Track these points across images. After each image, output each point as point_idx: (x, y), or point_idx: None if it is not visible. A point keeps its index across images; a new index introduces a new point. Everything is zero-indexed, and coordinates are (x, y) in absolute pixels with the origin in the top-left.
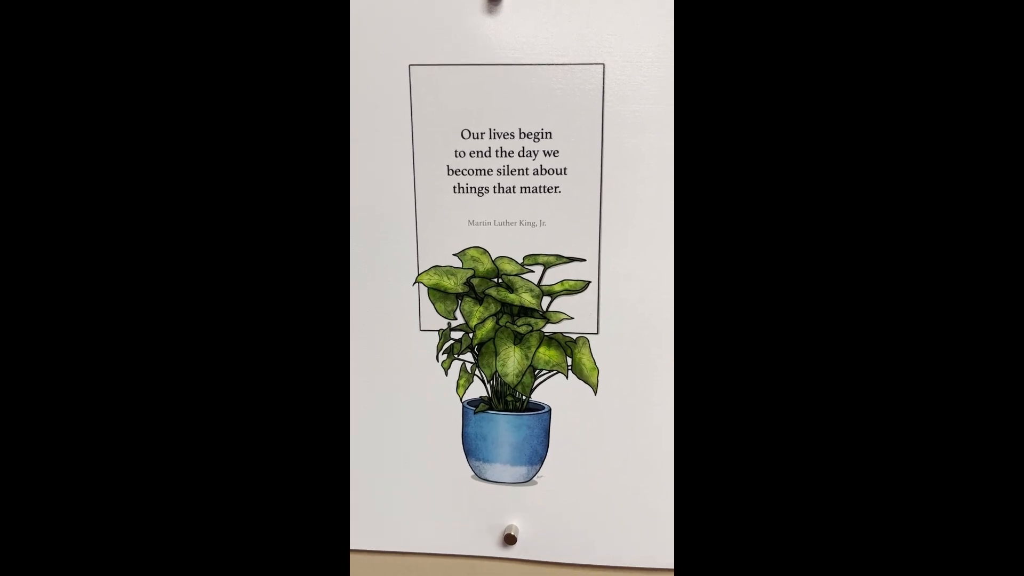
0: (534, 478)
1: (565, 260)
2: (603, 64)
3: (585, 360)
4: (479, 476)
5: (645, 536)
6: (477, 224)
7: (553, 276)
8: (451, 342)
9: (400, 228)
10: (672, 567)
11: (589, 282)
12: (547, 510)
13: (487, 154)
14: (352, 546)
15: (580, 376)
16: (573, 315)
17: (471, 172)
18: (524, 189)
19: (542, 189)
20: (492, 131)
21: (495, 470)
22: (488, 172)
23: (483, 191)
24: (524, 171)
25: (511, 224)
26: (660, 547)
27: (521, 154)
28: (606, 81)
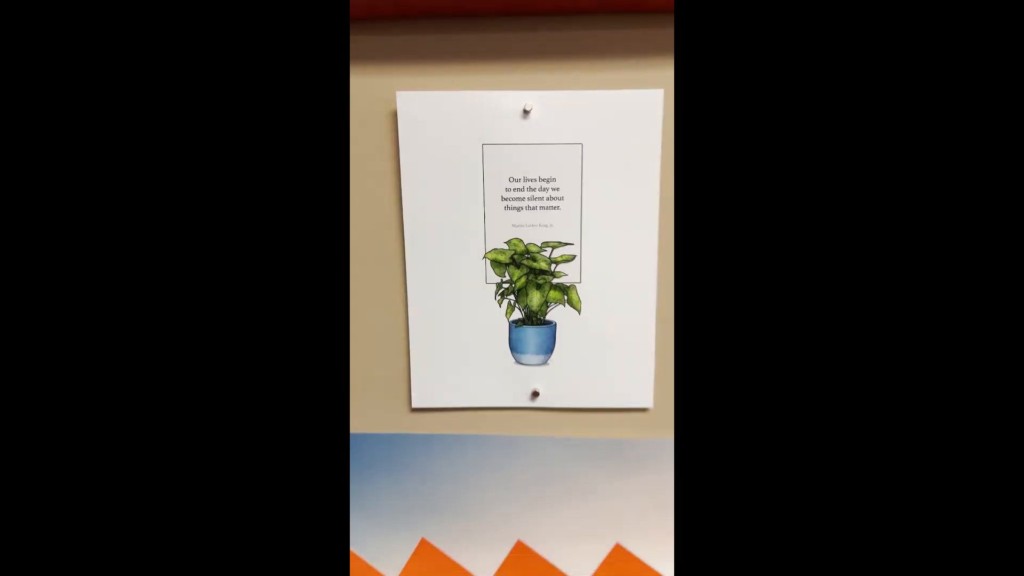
0: (547, 361)
1: (562, 244)
2: (581, 144)
3: (573, 296)
4: (517, 362)
5: (625, 386)
6: (516, 226)
7: (556, 253)
8: (503, 289)
9: (477, 230)
10: (650, 406)
11: (574, 256)
12: (557, 378)
13: (522, 190)
14: (416, 404)
15: (571, 304)
16: (567, 272)
17: (514, 199)
18: (541, 207)
19: (550, 208)
20: (524, 177)
21: (526, 358)
22: (522, 199)
23: (520, 208)
24: (541, 199)
25: (534, 226)
26: (641, 393)
27: (539, 190)
28: (584, 165)
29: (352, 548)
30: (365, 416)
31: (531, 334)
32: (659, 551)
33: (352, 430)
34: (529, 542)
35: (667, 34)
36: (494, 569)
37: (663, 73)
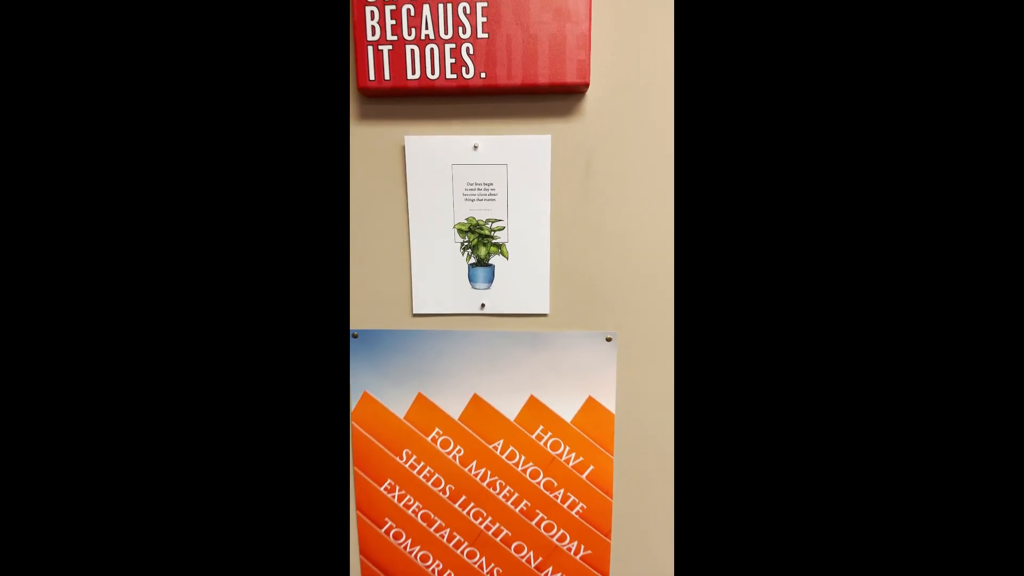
0: (490, 287)
1: (495, 220)
2: (506, 164)
3: (504, 250)
4: (472, 287)
5: (532, 300)
6: (472, 211)
7: (493, 226)
8: (463, 244)
9: (449, 212)
10: (547, 312)
11: (504, 227)
12: (495, 296)
13: (473, 190)
14: (416, 311)
15: (502, 254)
16: (499, 236)
17: (469, 195)
18: (484, 200)
19: (489, 200)
20: (475, 183)
21: (477, 285)
22: (474, 195)
23: (473, 200)
24: (484, 195)
25: (481, 211)
26: (541, 304)
27: (484, 190)
28: (509, 176)
29: (376, 397)
30: (384, 319)
31: (480, 271)
32: (562, 401)
33: (376, 327)
34: (481, 394)
35: (553, 105)
36: (460, 410)
37: (552, 126)
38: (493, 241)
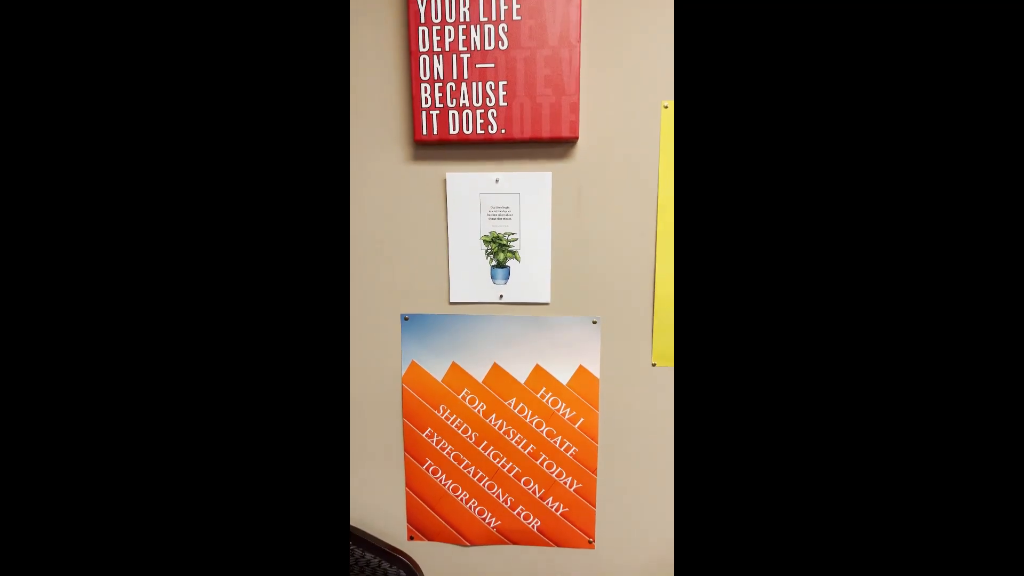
0: (507, 283)
1: (511, 234)
2: (519, 193)
3: (517, 255)
4: (493, 283)
5: (538, 292)
6: (493, 227)
7: (509, 237)
8: (487, 251)
9: (477, 228)
10: (549, 301)
11: (517, 238)
12: (510, 290)
13: (495, 212)
14: (452, 300)
15: (515, 258)
16: (515, 246)
17: (492, 215)
18: (502, 219)
19: (506, 219)
20: (496, 207)
21: (497, 281)
22: (496, 216)
23: (495, 219)
24: (503, 215)
25: (500, 226)
26: (544, 294)
27: (502, 212)
28: (521, 202)
29: (421, 365)
30: (428, 306)
31: (499, 271)
32: (560, 369)
33: (422, 312)
34: (499, 363)
35: (553, 151)
36: (484, 375)
37: (552, 165)
38: (509, 249)
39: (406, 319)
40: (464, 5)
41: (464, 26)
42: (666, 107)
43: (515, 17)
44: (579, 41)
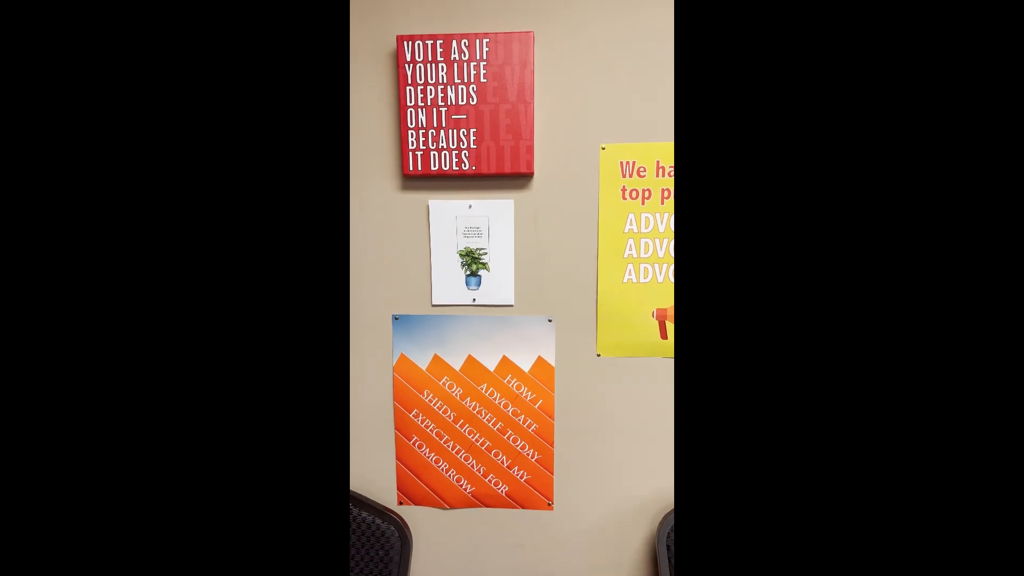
0: (479, 288)
1: (482, 249)
2: (488, 216)
3: (487, 266)
4: (467, 289)
5: (503, 294)
6: (467, 243)
7: (480, 251)
8: (463, 263)
9: (454, 244)
10: (513, 303)
11: (487, 252)
12: (481, 294)
13: (469, 231)
14: (434, 303)
15: (485, 269)
16: (485, 259)
17: (466, 235)
18: (475, 237)
19: (478, 237)
20: (470, 227)
21: (471, 288)
22: (469, 235)
23: (469, 236)
24: (475, 235)
25: (473, 243)
26: (509, 296)
27: (475, 231)
28: (490, 223)
29: (409, 357)
30: (415, 308)
31: (472, 279)
32: (523, 359)
33: (409, 312)
34: (473, 355)
35: (514, 183)
36: (460, 365)
37: (514, 194)
38: (480, 261)
39: (396, 319)
40: (442, 71)
41: (442, 86)
42: (603, 148)
43: (482, 80)
44: (532, 98)
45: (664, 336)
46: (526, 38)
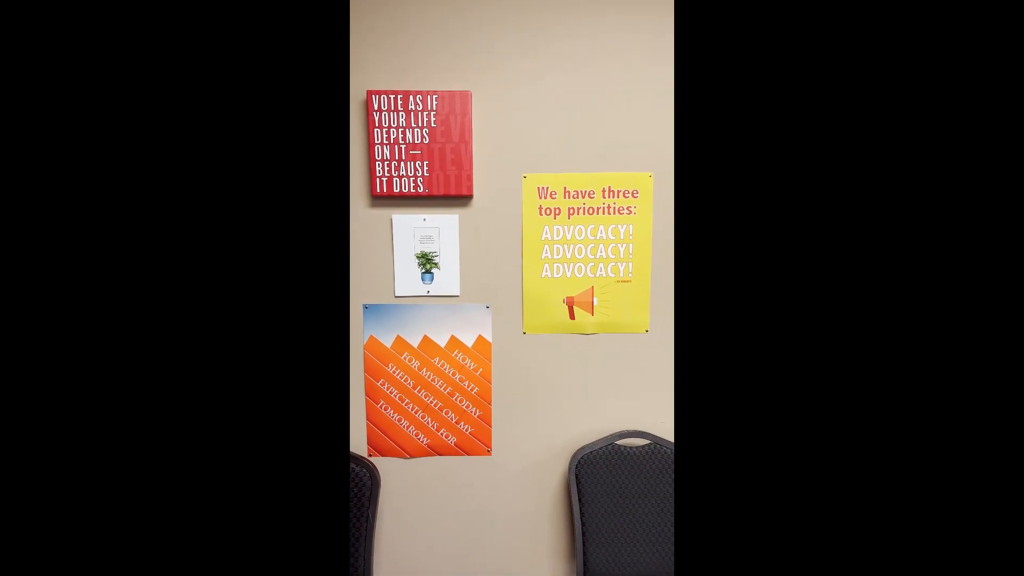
0: (432, 282)
1: (435, 253)
2: (439, 227)
3: (438, 265)
4: (423, 283)
5: (452, 287)
6: (423, 249)
7: (433, 254)
8: (419, 263)
9: (411, 249)
10: (459, 293)
11: (438, 255)
12: (436, 286)
13: (425, 240)
14: (397, 295)
15: (436, 268)
16: (437, 260)
17: (420, 243)
18: (430, 243)
19: (431, 243)
20: (424, 236)
21: (426, 282)
22: (423, 243)
23: (423, 243)
24: (428, 242)
25: (429, 248)
26: (455, 288)
27: (428, 240)
28: (440, 233)
29: (376, 337)
30: (381, 298)
31: (427, 276)
32: (467, 337)
33: (377, 302)
34: (428, 335)
35: (458, 202)
36: (418, 342)
37: (458, 211)
38: (433, 262)
39: (367, 307)
40: (402, 117)
41: (403, 129)
42: (525, 177)
43: (433, 125)
44: (471, 139)
45: (572, 317)
46: (465, 95)
